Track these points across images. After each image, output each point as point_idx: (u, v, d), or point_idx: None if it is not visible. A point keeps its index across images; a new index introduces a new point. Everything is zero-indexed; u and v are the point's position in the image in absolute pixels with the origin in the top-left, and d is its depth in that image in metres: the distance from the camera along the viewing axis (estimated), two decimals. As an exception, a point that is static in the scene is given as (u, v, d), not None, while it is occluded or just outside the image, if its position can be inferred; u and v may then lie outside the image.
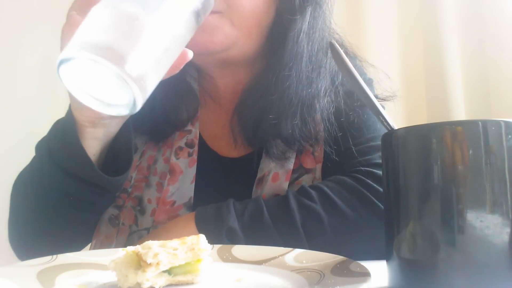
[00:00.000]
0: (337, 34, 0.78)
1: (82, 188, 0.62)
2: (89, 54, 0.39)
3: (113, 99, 0.44)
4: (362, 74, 0.79)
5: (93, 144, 0.61)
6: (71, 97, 0.57)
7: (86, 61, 0.40)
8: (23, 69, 1.33)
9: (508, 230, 0.36)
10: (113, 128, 0.62)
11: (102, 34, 0.41)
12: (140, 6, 0.42)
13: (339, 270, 0.44)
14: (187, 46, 0.61)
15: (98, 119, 0.58)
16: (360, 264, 0.44)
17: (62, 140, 0.61)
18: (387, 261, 0.42)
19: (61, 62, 0.41)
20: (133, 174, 0.73)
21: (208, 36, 0.64)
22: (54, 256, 0.50)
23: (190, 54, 0.52)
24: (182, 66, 0.54)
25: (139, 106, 0.43)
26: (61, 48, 0.53)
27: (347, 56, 0.46)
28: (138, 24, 0.42)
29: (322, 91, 0.70)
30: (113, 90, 0.43)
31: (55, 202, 0.64)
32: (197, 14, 0.49)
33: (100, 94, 0.44)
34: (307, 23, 0.68)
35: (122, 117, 0.54)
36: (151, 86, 0.44)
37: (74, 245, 0.75)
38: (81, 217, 0.68)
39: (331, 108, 0.70)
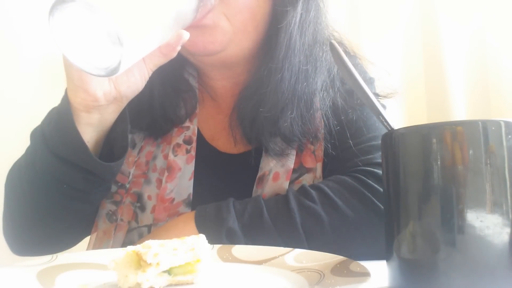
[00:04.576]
0: (336, 32, 0.78)
1: (75, 175, 0.61)
2: (88, 3, 0.39)
3: (98, 59, 0.44)
4: (363, 73, 0.79)
5: (88, 130, 0.60)
6: (68, 78, 0.57)
7: (82, 9, 0.40)
8: (23, 68, 1.33)
9: (508, 230, 0.36)
10: (109, 116, 0.61)
11: None
12: None
13: (339, 270, 0.44)
14: (186, 46, 0.62)
15: (93, 102, 0.57)
16: (360, 264, 0.44)
17: (56, 125, 0.61)
18: (387, 261, 0.42)
19: (58, 2, 0.40)
20: (131, 169, 0.73)
21: (207, 37, 0.64)
22: (54, 256, 0.50)
23: (185, 36, 0.52)
24: (178, 47, 0.54)
25: (122, 69, 0.43)
26: None
27: (346, 55, 0.45)
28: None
29: (319, 86, 0.70)
30: (99, 50, 0.42)
31: (49, 190, 0.63)
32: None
33: (86, 52, 0.44)
34: (299, 15, 0.68)
35: (104, 77, 0.53)
36: (138, 52, 0.44)
37: (68, 239, 0.75)
38: (75, 207, 0.67)
39: (328, 102, 0.70)
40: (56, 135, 0.61)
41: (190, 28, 0.58)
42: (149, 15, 0.45)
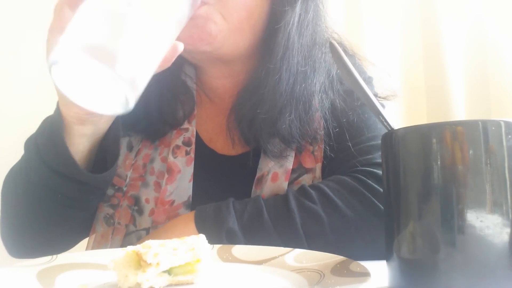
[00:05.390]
0: (335, 33, 0.78)
1: (69, 185, 0.62)
2: (80, 55, 0.39)
3: (106, 98, 0.44)
4: (362, 72, 0.78)
5: (81, 141, 0.61)
6: (59, 93, 0.57)
7: (78, 62, 0.40)
8: (23, 68, 1.33)
9: (508, 230, 0.36)
10: (102, 125, 0.62)
11: (93, 33, 0.40)
12: (131, 1, 0.42)
13: (339, 270, 0.44)
14: (181, 40, 0.62)
15: (86, 115, 0.58)
16: (360, 264, 0.44)
17: (48, 138, 0.61)
18: (387, 261, 0.42)
19: (53, 63, 0.41)
20: (128, 172, 0.73)
21: (200, 29, 0.63)
22: (54, 256, 0.50)
23: (180, 47, 0.51)
24: (173, 59, 0.54)
25: (132, 105, 0.43)
26: (49, 45, 0.53)
27: (346, 55, 0.45)
28: (129, 22, 0.42)
29: (318, 88, 0.70)
30: (106, 89, 0.43)
31: (43, 199, 0.64)
32: (187, 7, 0.49)
33: (93, 93, 0.44)
34: (297, 15, 0.68)
35: (113, 115, 0.54)
36: (143, 83, 0.44)
37: (66, 242, 0.76)
38: (71, 215, 0.67)
39: (327, 103, 0.70)
40: (48, 149, 0.61)
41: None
42: (151, 48, 0.44)
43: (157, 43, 0.45)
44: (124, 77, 0.40)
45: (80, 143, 0.61)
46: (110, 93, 0.43)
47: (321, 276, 0.43)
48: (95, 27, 0.41)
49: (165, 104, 0.73)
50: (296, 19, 0.67)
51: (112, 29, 0.41)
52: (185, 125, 0.74)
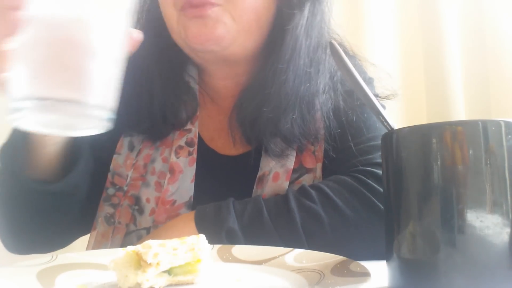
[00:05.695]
0: (336, 34, 0.78)
1: (44, 195, 0.64)
2: (44, 111, 0.36)
3: (81, 127, 0.42)
4: (362, 73, 0.79)
5: (54, 148, 0.62)
6: None
7: (43, 115, 0.37)
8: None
9: (508, 230, 0.36)
10: None
11: (47, 80, 0.37)
12: (72, 31, 0.37)
13: (339, 270, 0.44)
14: (189, 38, 0.61)
15: None
16: (360, 264, 0.44)
17: (13, 153, 0.62)
18: (387, 261, 0.42)
19: (17, 122, 0.37)
20: (129, 172, 0.73)
21: (209, 29, 0.64)
22: (54, 256, 0.50)
23: (137, 35, 0.47)
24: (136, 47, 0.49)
25: (109, 125, 0.41)
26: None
27: (346, 56, 0.46)
28: (81, 55, 0.37)
29: (321, 88, 0.70)
30: (80, 122, 0.40)
31: (26, 205, 0.65)
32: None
33: (67, 126, 0.42)
34: (305, 19, 0.69)
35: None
36: (114, 102, 0.41)
37: (63, 240, 0.77)
38: (57, 217, 0.69)
39: (330, 105, 0.70)
40: (16, 162, 0.62)
41: (192, 20, 0.56)
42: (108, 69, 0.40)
43: (114, 59, 0.41)
44: (94, 114, 0.38)
45: (52, 150, 0.62)
46: (85, 123, 0.41)
47: (321, 276, 0.43)
48: (47, 72, 0.37)
49: (169, 105, 0.73)
50: (304, 21, 0.68)
51: (67, 71, 0.37)
52: (188, 126, 0.74)
